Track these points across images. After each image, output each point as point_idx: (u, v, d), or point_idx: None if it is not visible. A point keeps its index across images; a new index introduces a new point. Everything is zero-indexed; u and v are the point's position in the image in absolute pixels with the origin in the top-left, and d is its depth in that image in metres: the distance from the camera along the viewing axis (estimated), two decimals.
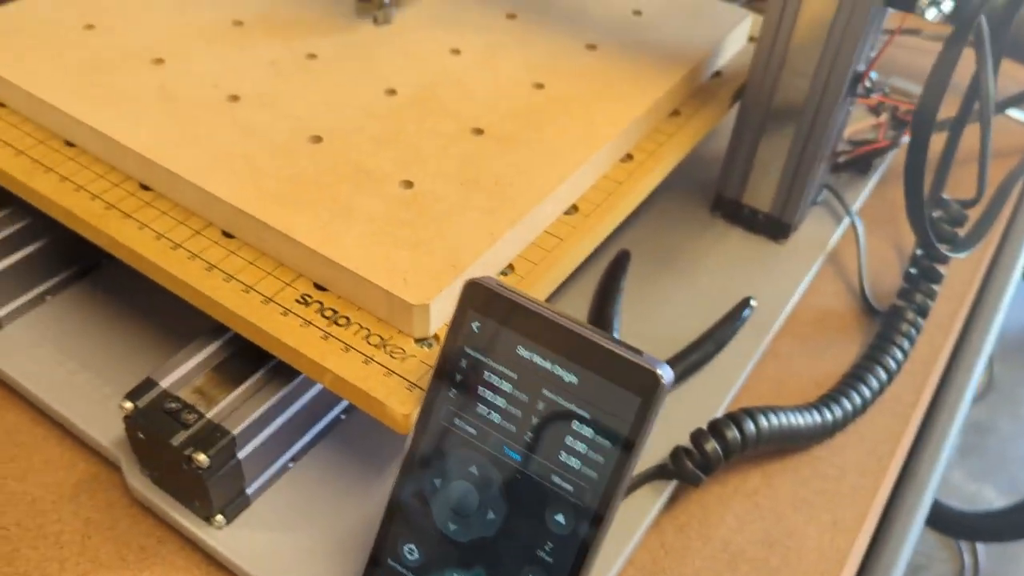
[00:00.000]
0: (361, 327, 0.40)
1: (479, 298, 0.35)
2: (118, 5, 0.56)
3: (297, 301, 0.41)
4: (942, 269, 0.56)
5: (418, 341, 0.40)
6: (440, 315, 0.40)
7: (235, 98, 0.49)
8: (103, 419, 0.47)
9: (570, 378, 0.33)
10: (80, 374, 0.49)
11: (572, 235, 0.46)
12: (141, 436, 0.41)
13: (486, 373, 0.35)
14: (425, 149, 0.47)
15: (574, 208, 0.48)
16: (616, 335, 0.52)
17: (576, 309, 0.55)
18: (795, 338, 0.58)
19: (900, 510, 0.48)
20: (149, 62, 0.51)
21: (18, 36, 0.53)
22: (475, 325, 0.35)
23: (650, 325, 0.54)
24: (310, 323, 0.40)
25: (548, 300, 0.44)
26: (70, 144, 0.49)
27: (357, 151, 0.46)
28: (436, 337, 0.40)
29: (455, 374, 0.35)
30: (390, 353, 0.39)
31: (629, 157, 0.51)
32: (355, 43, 0.55)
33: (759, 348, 0.54)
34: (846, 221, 0.64)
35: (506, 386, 0.34)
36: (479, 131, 0.49)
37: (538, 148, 0.48)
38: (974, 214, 0.58)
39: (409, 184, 0.45)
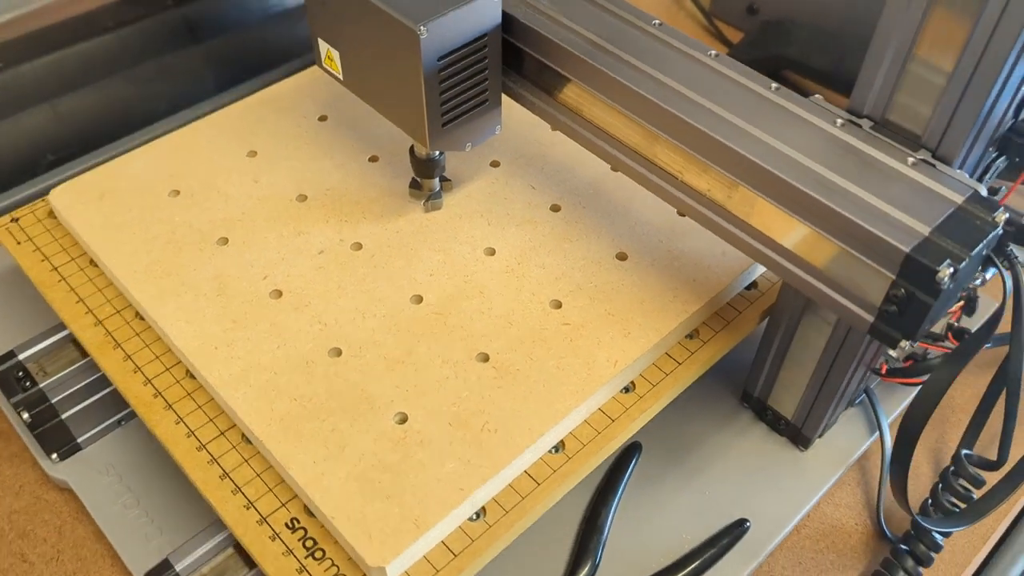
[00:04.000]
0: (333, 564, 0.46)
1: None
2: (203, 167, 0.62)
3: (286, 525, 0.47)
4: (940, 539, 0.55)
5: None
6: (403, 565, 0.45)
7: (278, 294, 0.55)
8: (143, 557, 0.55)
9: None
10: (133, 509, 0.57)
11: (551, 479, 0.49)
12: None
13: None
14: (428, 378, 0.51)
15: (561, 444, 0.51)
16: (602, 545, 0.55)
17: (578, 503, 0.58)
18: (796, 553, 0.58)
19: None
20: (215, 242, 0.58)
21: (112, 199, 0.60)
22: None
23: (644, 532, 0.57)
24: (291, 552, 0.46)
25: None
26: (140, 317, 0.56)
27: (367, 372, 0.51)
28: None
29: None
30: None
31: (632, 385, 0.54)
32: (401, 232, 0.59)
33: (746, 573, 0.56)
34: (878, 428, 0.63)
35: None
36: (485, 357, 0.52)
37: (535, 386, 0.51)
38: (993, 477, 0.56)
39: (403, 418, 0.50)
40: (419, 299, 0.55)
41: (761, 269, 0.59)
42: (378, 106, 0.54)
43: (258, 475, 0.49)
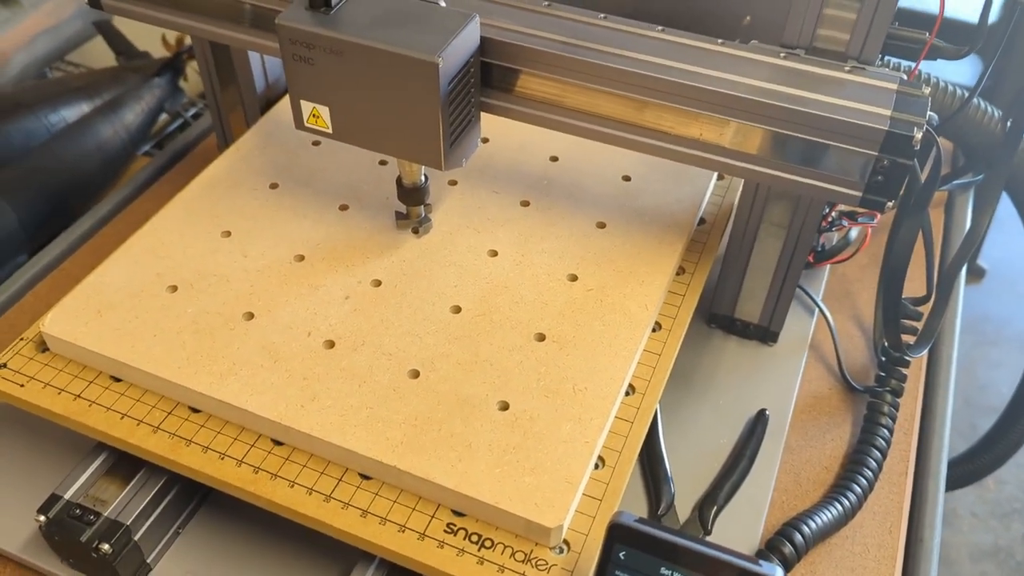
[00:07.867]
0: (505, 546, 0.50)
1: (621, 534, 0.45)
2: (187, 258, 0.62)
3: (445, 531, 0.51)
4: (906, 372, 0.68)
5: (551, 548, 0.50)
6: (568, 521, 0.50)
7: (331, 344, 0.57)
8: None
9: None
10: None
11: (638, 416, 0.56)
12: None
13: None
14: (505, 366, 0.56)
15: (631, 388, 0.58)
16: (668, 470, 0.63)
17: None
18: (798, 429, 0.70)
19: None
20: (242, 318, 0.59)
21: (111, 311, 0.59)
22: (621, 554, 0.45)
23: (690, 449, 0.65)
24: (464, 551, 0.50)
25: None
26: (195, 410, 0.56)
27: (451, 380, 0.55)
28: (566, 542, 0.50)
29: None
30: (536, 566, 0.49)
31: (658, 326, 0.62)
32: (407, 260, 0.63)
33: (780, 451, 0.66)
34: (816, 309, 0.76)
35: None
36: (541, 337, 0.58)
37: (595, 344, 0.58)
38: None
39: (505, 405, 0.54)
40: (457, 308, 0.60)
41: (706, 204, 0.70)
42: (377, 146, 0.58)
43: (394, 501, 0.52)
